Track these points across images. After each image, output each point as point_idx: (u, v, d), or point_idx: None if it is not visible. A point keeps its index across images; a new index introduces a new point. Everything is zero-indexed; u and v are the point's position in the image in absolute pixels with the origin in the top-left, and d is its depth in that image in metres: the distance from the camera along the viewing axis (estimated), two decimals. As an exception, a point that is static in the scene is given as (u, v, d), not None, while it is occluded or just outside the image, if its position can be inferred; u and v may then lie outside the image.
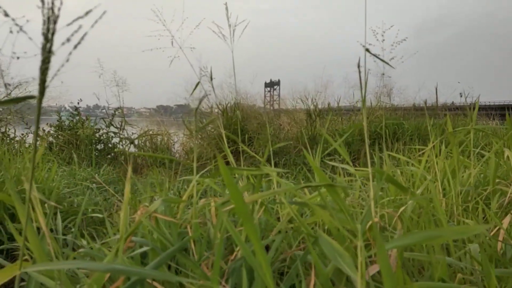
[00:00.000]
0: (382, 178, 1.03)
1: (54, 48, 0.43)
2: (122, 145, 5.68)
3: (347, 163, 1.44)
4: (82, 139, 5.02)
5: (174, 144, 6.45)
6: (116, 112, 5.81)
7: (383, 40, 5.29)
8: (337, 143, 1.28)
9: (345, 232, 0.88)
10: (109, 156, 5.30)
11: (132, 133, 5.99)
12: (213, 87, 1.80)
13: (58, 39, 0.44)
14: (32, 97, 0.44)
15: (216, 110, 5.87)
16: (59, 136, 5.25)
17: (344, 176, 1.88)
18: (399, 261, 0.62)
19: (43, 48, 0.43)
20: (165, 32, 1.69)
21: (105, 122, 5.64)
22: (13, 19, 0.43)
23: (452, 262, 0.87)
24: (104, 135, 5.51)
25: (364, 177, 1.88)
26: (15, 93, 4.88)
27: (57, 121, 5.51)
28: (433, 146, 1.67)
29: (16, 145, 5.14)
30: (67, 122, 5.49)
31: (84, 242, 1.21)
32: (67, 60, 0.44)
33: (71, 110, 6.13)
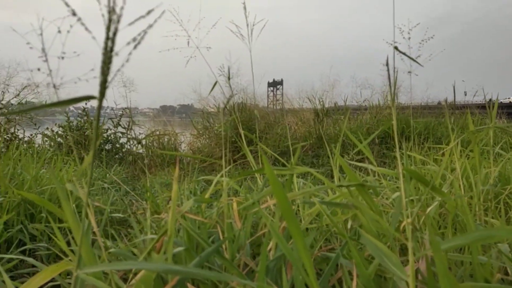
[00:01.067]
0: (412, 178, 1.02)
1: (116, 48, 0.43)
2: (129, 145, 5.69)
3: (371, 163, 1.43)
4: (91, 139, 5.03)
5: (181, 144, 6.47)
6: (123, 113, 5.83)
7: (409, 38, 5.29)
8: (363, 144, 1.28)
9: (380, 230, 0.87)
10: (117, 156, 5.32)
11: (139, 133, 6.01)
12: (230, 86, 1.80)
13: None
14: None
15: (223, 109, 5.86)
16: (68, 137, 5.27)
17: (369, 175, 1.87)
18: (445, 262, 0.61)
19: (105, 48, 0.43)
20: (182, 32, 1.69)
21: (113, 123, 5.66)
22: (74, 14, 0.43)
23: (488, 262, 0.86)
24: (112, 135, 5.53)
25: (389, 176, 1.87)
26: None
27: (66, 121, 5.53)
28: (452, 145, 1.66)
29: (25, 145, 5.18)
30: (75, 123, 5.50)
31: (109, 243, 1.21)
32: (127, 60, 0.44)
33: (76, 110, 6.15)
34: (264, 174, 1.86)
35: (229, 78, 1.70)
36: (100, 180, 3.28)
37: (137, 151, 5.62)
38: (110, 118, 5.67)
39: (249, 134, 1.82)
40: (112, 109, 7.05)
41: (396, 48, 1.14)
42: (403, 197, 0.95)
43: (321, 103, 5.89)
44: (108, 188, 2.51)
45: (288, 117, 6.32)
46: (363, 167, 1.67)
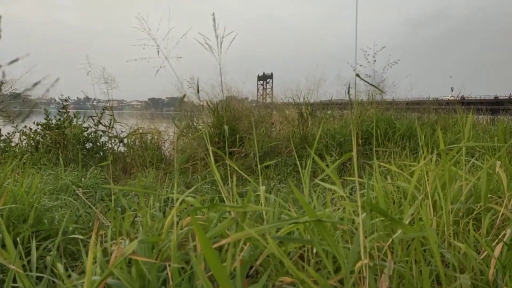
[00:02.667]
0: (371, 210, 0.99)
1: None
2: (111, 144, 5.58)
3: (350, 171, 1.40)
4: (70, 139, 4.91)
5: (164, 143, 6.37)
6: (105, 111, 5.69)
7: (375, 61, 5.52)
8: (330, 169, 1.25)
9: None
10: (97, 155, 5.21)
11: (122, 131, 5.89)
12: (199, 98, 1.74)
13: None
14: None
15: (205, 105, 5.78)
16: (46, 135, 5.13)
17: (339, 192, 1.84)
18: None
19: None
20: (150, 42, 1.62)
21: (94, 121, 5.53)
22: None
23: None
24: (92, 134, 5.40)
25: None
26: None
27: (45, 119, 5.37)
28: (425, 155, 1.64)
29: (1, 144, 5.03)
30: (54, 121, 5.36)
31: (62, 270, 1.15)
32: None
33: (61, 102, 5.99)
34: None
35: (198, 91, 1.64)
36: (74, 185, 3.20)
37: (118, 150, 5.52)
38: (91, 116, 5.53)
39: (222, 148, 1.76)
40: (94, 100, 6.87)
41: (357, 75, 1.10)
42: (361, 233, 0.92)
43: (306, 102, 5.86)
44: (76, 195, 2.43)
45: (273, 115, 6.28)
46: (336, 179, 1.64)
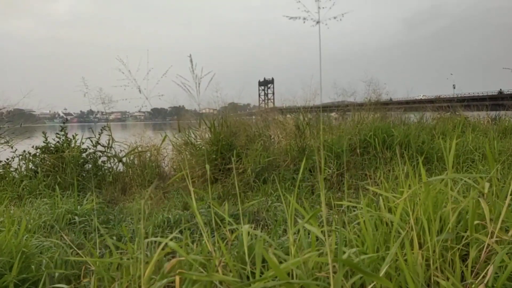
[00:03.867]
0: (345, 266, 0.98)
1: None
2: (110, 164, 5.60)
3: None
4: (68, 162, 4.94)
5: (164, 158, 6.38)
6: (103, 130, 5.72)
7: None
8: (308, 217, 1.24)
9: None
10: (96, 176, 5.22)
11: (121, 150, 5.91)
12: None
13: None
14: None
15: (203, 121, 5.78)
16: (45, 158, 5.16)
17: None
18: None
19: None
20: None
21: (92, 142, 5.55)
22: None
23: None
24: (91, 155, 5.43)
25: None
26: None
27: (43, 142, 5.40)
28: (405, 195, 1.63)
29: (0, 170, 5.07)
30: (53, 143, 5.38)
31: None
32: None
33: (65, 116, 6.04)
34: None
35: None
36: (70, 213, 3.21)
37: (118, 170, 5.53)
38: (89, 138, 5.56)
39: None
40: (97, 113, 6.85)
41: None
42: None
43: (303, 114, 5.86)
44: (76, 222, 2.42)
45: (271, 128, 6.28)
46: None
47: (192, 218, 3.35)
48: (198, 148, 5.12)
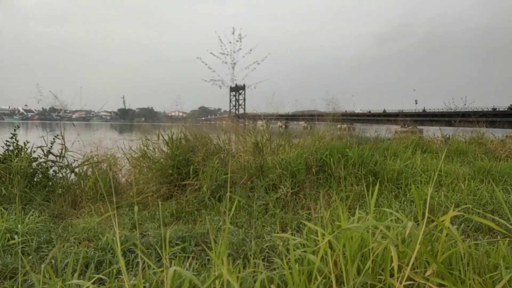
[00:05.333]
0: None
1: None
2: (62, 174, 5.40)
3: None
4: (15, 173, 4.72)
5: (121, 169, 6.23)
6: (56, 139, 5.52)
7: None
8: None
9: None
10: (46, 188, 5.01)
11: (74, 160, 5.71)
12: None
13: None
14: None
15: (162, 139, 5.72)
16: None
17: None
18: None
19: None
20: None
21: (43, 151, 5.34)
22: None
23: None
24: (41, 165, 5.21)
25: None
26: None
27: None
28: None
29: None
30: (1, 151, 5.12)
31: None
32: None
33: (25, 113, 5.77)
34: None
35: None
36: (10, 232, 3.07)
37: (70, 181, 5.35)
38: (40, 147, 5.34)
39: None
40: (60, 111, 6.59)
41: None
42: None
43: (263, 131, 5.95)
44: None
45: (231, 144, 6.30)
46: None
47: (140, 238, 3.31)
48: (154, 162, 5.05)
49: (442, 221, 1.86)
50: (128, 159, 5.33)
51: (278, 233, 3.64)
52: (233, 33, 4.03)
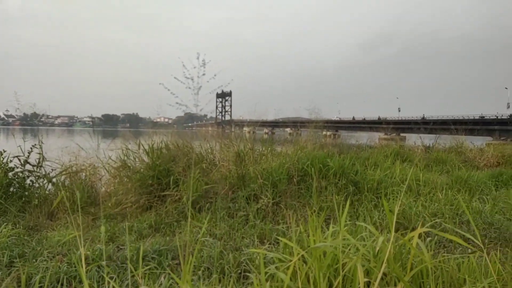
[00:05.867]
0: None
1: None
2: (39, 184, 5.27)
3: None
4: (-12, 184, 4.58)
5: (101, 179, 6.11)
6: (33, 148, 5.39)
7: None
8: None
9: None
10: (22, 199, 4.88)
11: (52, 169, 5.59)
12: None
13: None
14: None
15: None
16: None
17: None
18: None
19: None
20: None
21: (20, 160, 5.21)
22: None
23: None
24: (17, 175, 5.08)
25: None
26: None
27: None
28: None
29: None
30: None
31: None
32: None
33: (6, 118, 5.63)
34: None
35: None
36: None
37: (47, 191, 5.22)
38: (17, 156, 5.21)
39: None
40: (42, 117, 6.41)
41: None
42: None
43: (245, 140, 5.96)
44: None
45: (214, 153, 6.28)
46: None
47: (115, 252, 3.25)
48: (134, 172, 4.99)
49: (412, 237, 1.90)
50: (106, 170, 5.24)
51: (257, 245, 3.64)
52: (197, 58, 4.08)
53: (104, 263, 2.19)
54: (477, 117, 51.94)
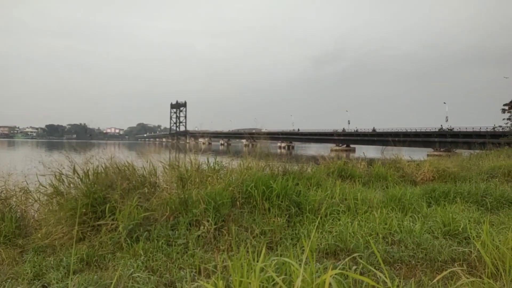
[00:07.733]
0: None
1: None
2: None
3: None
4: None
5: (33, 204, 5.70)
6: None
7: None
8: None
9: None
10: None
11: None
12: None
13: None
14: None
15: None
16: None
17: None
18: None
19: None
20: None
21: None
22: None
23: None
24: None
25: None
26: None
27: None
28: None
29: None
30: None
31: None
32: None
33: None
34: None
35: None
36: None
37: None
38: None
39: None
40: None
41: None
42: None
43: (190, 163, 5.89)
44: None
45: (158, 174, 6.12)
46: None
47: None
48: (67, 199, 4.71)
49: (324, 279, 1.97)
50: (35, 199, 4.91)
51: (195, 276, 3.58)
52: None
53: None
54: (419, 130, 55.89)
